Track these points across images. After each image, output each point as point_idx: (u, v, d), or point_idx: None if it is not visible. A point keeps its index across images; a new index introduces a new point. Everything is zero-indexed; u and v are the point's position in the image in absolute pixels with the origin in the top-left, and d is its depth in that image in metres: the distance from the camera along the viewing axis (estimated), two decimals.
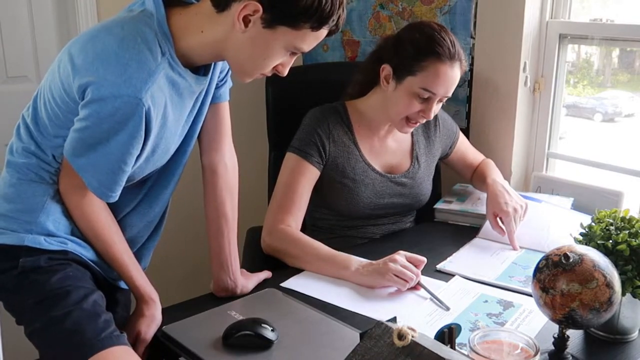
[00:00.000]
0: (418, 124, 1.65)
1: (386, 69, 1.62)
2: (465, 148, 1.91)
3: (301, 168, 1.63)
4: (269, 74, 1.22)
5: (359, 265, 1.44)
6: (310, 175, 1.64)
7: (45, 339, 1.13)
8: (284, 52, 1.17)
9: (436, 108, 1.62)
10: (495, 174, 1.80)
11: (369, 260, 1.45)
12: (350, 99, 1.76)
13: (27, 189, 1.20)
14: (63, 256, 1.19)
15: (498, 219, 1.67)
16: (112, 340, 1.09)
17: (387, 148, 1.75)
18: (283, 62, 1.20)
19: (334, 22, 1.15)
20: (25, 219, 1.18)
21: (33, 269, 1.16)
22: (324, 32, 1.16)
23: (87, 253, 1.23)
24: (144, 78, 1.08)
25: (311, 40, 1.16)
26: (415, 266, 1.41)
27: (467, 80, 2.08)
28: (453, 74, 1.57)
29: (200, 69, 1.25)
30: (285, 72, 1.22)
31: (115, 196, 1.19)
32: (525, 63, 1.96)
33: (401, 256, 1.42)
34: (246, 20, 1.11)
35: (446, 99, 1.62)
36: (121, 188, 1.19)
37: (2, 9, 2.10)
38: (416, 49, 1.56)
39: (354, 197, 1.69)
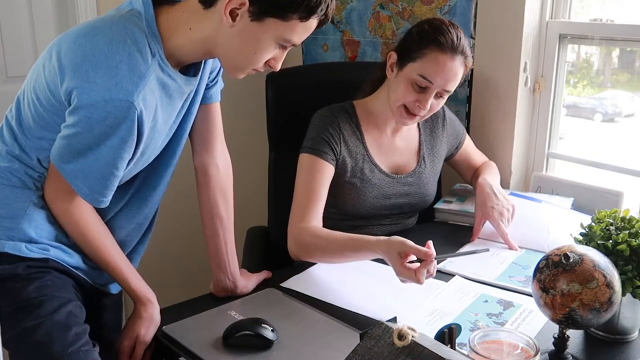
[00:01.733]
0: (417, 117, 1.62)
1: (392, 57, 1.63)
2: (470, 150, 1.90)
3: (317, 166, 1.61)
4: (262, 70, 1.19)
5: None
6: (327, 172, 1.62)
7: (17, 349, 1.11)
8: (274, 45, 1.14)
9: (435, 102, 1.60)
10: (488, 174, 1.79)
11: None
12: (363, 96, 1.75)
13: (9, 194, 1.17)
14: (43, 264, 1.16)
15: (484, 221, 1.68)
16: (80, 355, 1.08)
17: (395, 147, 1.74)
18: (275, 57, 1.17)
19: (323, 12, 1.12)
20: (7, 225, 1.16)
21: (10, 277, 1.13)
22: (313, 22, 1.13)
23: (70, 260, 1.21)
24: (135, 81, 1.06)
25: (301, 31, 1.13)
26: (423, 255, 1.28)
27: (467, 80, 2.08)
28: (453, 66, 1.55)
29: (190, 69, 1.23)
30: (278, 67, 1.20)
31: (107, 201, 1.17)
32: (525, 63, 1.96)
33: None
34: (233, 14, 1.09)
35: (447, 94, 1.60)
36: (112, 192, 1.17)
37: (2, 9, 2.10)
38: (420, 36, 1.58)
39: (360, 197, 1.68)
